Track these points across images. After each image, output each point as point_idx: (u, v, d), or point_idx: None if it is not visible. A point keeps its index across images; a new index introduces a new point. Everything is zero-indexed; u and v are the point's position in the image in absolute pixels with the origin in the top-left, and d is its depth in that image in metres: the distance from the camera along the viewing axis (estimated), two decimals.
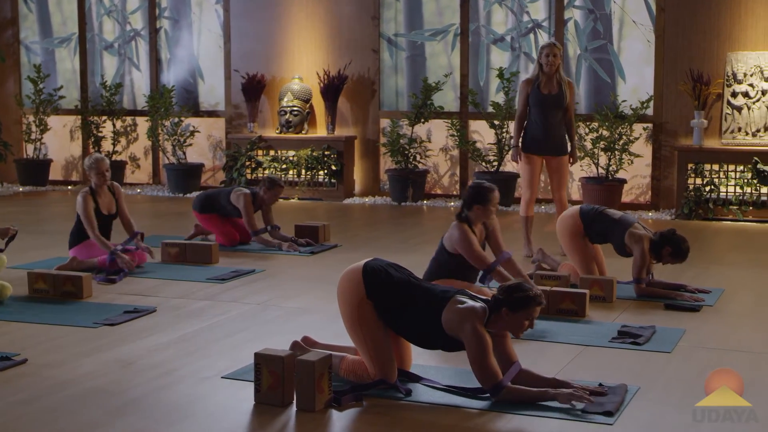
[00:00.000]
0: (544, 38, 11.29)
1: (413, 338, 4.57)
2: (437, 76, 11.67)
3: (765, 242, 8.97)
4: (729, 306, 6.31)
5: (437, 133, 11.83)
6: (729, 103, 10.38)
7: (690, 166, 10.33)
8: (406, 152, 11.52)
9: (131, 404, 4.37)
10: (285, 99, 12.02)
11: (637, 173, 11.02)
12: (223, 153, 12.51)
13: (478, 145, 11.56)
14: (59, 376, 4.74)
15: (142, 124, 13.01)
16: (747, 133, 10.30)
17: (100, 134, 13.02)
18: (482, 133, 11.64)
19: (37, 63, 13.30)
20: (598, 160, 10.74)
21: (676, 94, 10.73)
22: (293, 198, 11.93)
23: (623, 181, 10.78)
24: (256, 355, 4.33)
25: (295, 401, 4.28)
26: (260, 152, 12.14)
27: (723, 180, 10.23)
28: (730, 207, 10.15)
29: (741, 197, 10.16)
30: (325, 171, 11.84)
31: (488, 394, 4.32)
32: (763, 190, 10.08)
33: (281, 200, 11.63)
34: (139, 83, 13.17)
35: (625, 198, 10.98)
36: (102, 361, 5.01)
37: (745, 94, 10.32)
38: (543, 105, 7.93)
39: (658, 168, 10.95)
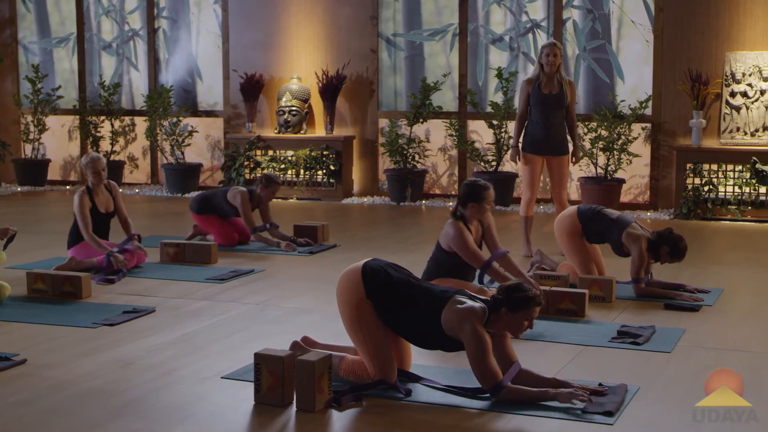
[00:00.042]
0: (542, 38, 11.29)
1: (412, 338, 4.57)
2: (436, 76, 11.66)
3: (764, 242, 8.98)
4: (728, 306, 6.31)
5: (436, 133, 11.82)
6: (727, 102, 10.38)
7: (689, 165, 10.33)
8: (405, 152, 11.51)
9: (131, 405, 4.37)
10: (283, 99, 12.02)
11: (635, 173, 11.02)
12: (222, 153, 12.50)
13: (477, 145, 11.56)
14: (58, 377, 4.73)
15: (141, 124, 13.00)
16: (745, 133, 10.30)
17: (98, 134, 13.01)
18: (481, 132, 11.64)
19: (35, 63, 13.29)
20: (596, 159, 10.74)
21: (675, 93, 10.73)
22: (292, 198, 11.92)
23: (622, 181, 10.78)
24: (256, 355, 4.32)
25: (295, 401, 4.27)
26: (259, 152, 12.14)
27: (722, 180, 10.23)
28: (729, 207, 10.15)
29: (740, 197, 10.16)
30: (324, 171, 11.84)
31: (488, 394, 4.32)
32: (762, 189, 10.08)
33: (280, 200, 11.64)
34: (138, 83, 13.16)
35: (624, 198, 10.98)
36: (101, 362, 5.00)
37: (744, 94, 10.32)
38: (544, 105, 7.93)
39: (656, 168, 10.95)
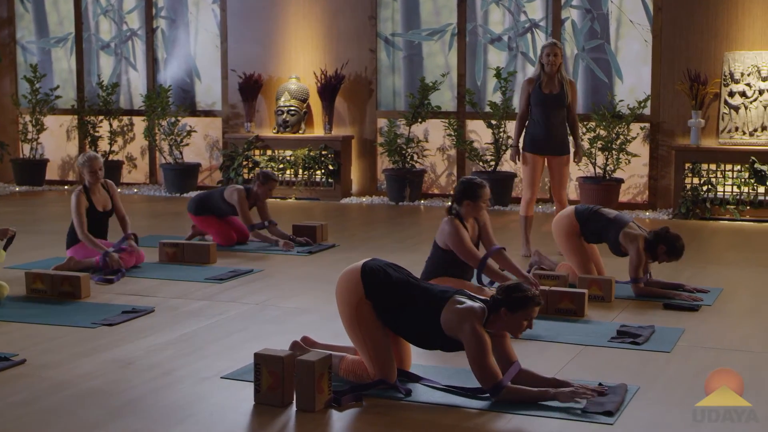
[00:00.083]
0: (541, 38, 11.30)
1: (412, 338, 4.56)
2: (434, 76, 11.66)
3: (762, 241, 8.98)
4: (728, 305, 6.31)
5: (434, 133, 11.82)
6: (726, 102, 10.38)
7: (687, 165, 10.33)
8: (404, 152, 11.51)
9: (130, 405, 4.36)
10: (282, 99, 12.01)
11: (634, 173, 11.03)
12: (220, 153, 12.49)
13: (476, 144, 11.56)
14: (57, 377, 4.73)
15: (139, 123, 12.99)
16: (744, 133, 10.31)
17: (96, 134, 13.00)
18: (479, 132, 11.64)
19: (34, 63, 13.28)
20: (595, 159, 10.74)
21: (674, 93, 10.74)
22: (290, 198, 11.92)
23: (620, 181, 10.78)
24: (256, 355, 4.31)
25: (295, 401, 4.27)
26: (257, 152, 12.13)
27: (720, 179, 10.23)
28: (728, 206, 10.16)
29: (738, 197, 10.16)
30: (323, 171, 11.83)
31: (488, 394, 4.32)
32: (761, 189, 10.08)
33: (278, 200, 11.64)
34: (136, 83, 13.15)
35: (623, 197, 10.99)
36: (100, 362, 4.99)
37: (743, 94, 10.32)
38: (544, 104, 7.93)
39: (655, 167, 10.95)
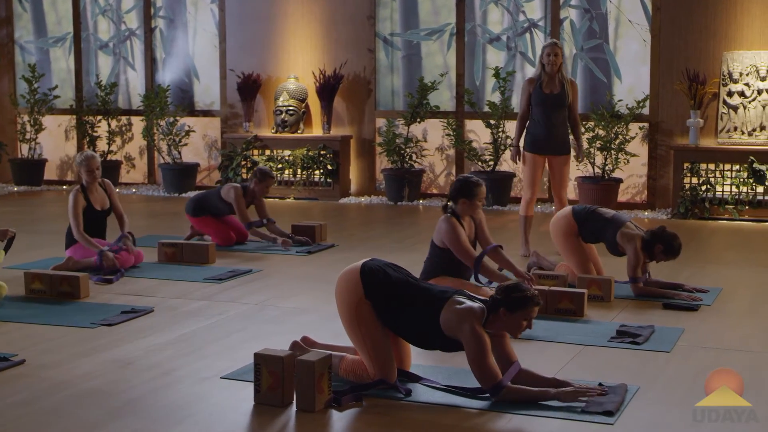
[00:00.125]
0: (540, 38, 11.30)
1: (411, 338, 4.56)
2: (433, 76, 11.66)
3: (761, 241, 8.98)
4: (727, 305, 6.31)
5: (433, 133, 11.82)
6: (725, 102, 10.38)
7: (686, 165, 10.33)
8: (402, 152, 11.51)
9: (130, 405, 4.36)
10: (281, 98, 12.01)
11: (633, 173, 11.03)
12: (219, 152, 12.49)
13: (474, 144, 11.56)
14: (57, 377, 4.72)
15: (137, 123, 12.97)
16: (743, 133, 10.31)
17: (95, 134, 12.99)
18: (478, 132, 11.64)
19: (32, 62, 13.27)
20: (594, 159, 10.74)
21: (672, 93, 10.74)
22: (289, 198, 11.91)
23: (619, 181, 10.79)
24: (256, 355, 4.31)
25: (295, 401, 4.26)
26: (256, 152, 12.12)
27: (719, 179, 10.23)
28: (726, 206, 10.16)
29: (737, 196, 10.16)
30: (321, 171, 11.83)
31: (488, 394, 4.32)
32: (759, 189, 10.08)
33: (277, 200, 11.63)
34: (134, 83, 13.14)
35: (621, 197, 10.99)
36: (100, 362, 4.99)
37: (741, 94, 10.32)
38: (545, 104, 7.93)
39: (654, 167, 10.95)
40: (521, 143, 8.12)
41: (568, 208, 6.91)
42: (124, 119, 13.14)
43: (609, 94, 10.97)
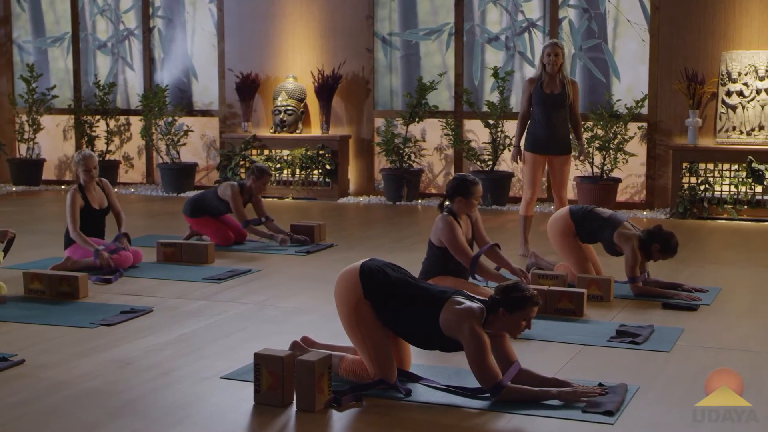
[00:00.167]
0: (538, 37, 11.30)
1: (411, 338, 4.55)
2: (432, 76, 11.65)
3: (760, 241, 8.99)
4: (726, 305, 6.31)
5: (432, 133, 11.82)
6: (723, 102, 10.38)
7: (685, 165, 10.33)
8: (401, 151, 11.50)
9: (129, 405, 4.35)
10: (279, 98, 12.00)
11: (631, 172, 11.03)
12: (217, 152, 12.48)
13: (473, 144, 11.56)
14: (56, 377, 4.72)
15: (136, 123, 12.97)
16: (742, 132, 10.31)
17: (93, 134, 12.98)
18: (477, 132, 11.64)
19: (30, 62, 13.26)
20: (592, 159, 10.74)
21: (671, 93, 10.74)
22: (287, 197, 11.91)
23: (618, 180, 10.79)
24: (256, 355, 4.31)
25: (295, 401, 4.26)
26: (254, 152, 12.12)
27: (718, 179, 10.24)
28: (725, 206, 10.16)
29: (736, 196, 10.17)
30: (320, 170, 11.82)
31: (488, 394, 4.31)
32: (758, 189, 10.08)
33: (275, 200, 11.63)
34: (133, 82, 13.13)
35: (620, 197, 10.99)
36: (99, 362, 4.98)
37: (740, 93, 10.32)
38: (546, 104, 7.92)
39: (652, 167, 10.95)
40: (522, 143, 8.12)
41: (564, 209, 6.92)
42: (122, 119, 13.13)
43: (608, 93, 10.97)
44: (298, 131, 12.02)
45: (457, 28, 11.63)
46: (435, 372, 4.73)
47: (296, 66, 12.20)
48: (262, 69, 12.32)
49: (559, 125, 7.98)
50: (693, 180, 10.31)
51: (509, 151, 11.00)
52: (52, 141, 13.46)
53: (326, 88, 11.80)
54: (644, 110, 10.86)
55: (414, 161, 11.67)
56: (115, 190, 7.62)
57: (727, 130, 10.35)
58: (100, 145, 13.00)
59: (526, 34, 11.41)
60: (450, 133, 11.45)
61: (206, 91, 12.77)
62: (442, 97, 11.70)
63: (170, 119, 12.38)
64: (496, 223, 9.81)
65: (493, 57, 11.55)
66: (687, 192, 10.25)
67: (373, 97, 12.01)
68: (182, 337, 5.50)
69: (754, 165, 9.96)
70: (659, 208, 10.84)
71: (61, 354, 5.12)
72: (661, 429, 4.08)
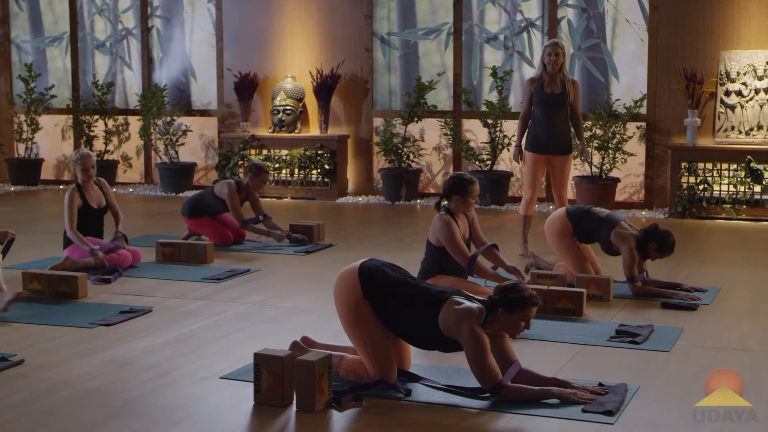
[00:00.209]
0: (537, 37, 11.30)
1: (410, 338, 4.55)
2: (430, 75, 11.65)
3: (759, 240, 8.99)
4: (726, 304, 6.31)
5: (430, 132, 11.81)
6: (722, 101, 10.39)
7: (683, 164, 10.33)
8: (400, 151, 11.50)
9: (128, 405, 4.35)
10: (278, 98, 12.00)
11: (630, 172, 11.03)
12: (216, 152, 12.48)
13: (472, 144, 11.55)
14: (56, 377, 4.71)
15: (134, 123, 12.96)
16: (740, 132, 10.31)
17: (91, 133, 12.97)
18: (476, 132, 11.63)
19: (29, 62, 13.25)
20: (591, 159, 10.74)
21: (670, 92, 10.74)
22: (286, 197, 11.90)
23: (617, 180, 10.79)
24: (256, 355, 4.30)
25: (295, 401, 4.26)
26: (253, 151, 12.11)
27: (716, 178, 10.24)
28: (724, 205, 10.16)
29: (734, 196, 10.17)
30: (318, 170, 11.82)
31: (488, 394, 4.31)
32: (757, 188, 10.09)
33: (274, 199, 11.62)
34: (131, 82, 13.12)
35: (619, 197, 10.99)
36: (98, 362, 4.98)
37: (739, 93, 10.33)
38: (546, 104, 7.92)
39: (651, 167, 10.95)
40: (523, 143, 8.12)
41: (561, 210, 6.94)
42: (120, 119, 13.13)
43: (606, 93, 10.97)
44: (296, 131, 12.02)
45: (456, 28, 11.63)
46: (435, 372, 4.72)
47: (295, 66, 12.19)
48: (260, 69, 12.31)
49: (560, 125, 7.98)
50: (692, 180, 10.31)
51: (508, 150, 11.02)
52: (51, 141, 13.45)
53: (325, 88, 11.80)
54: (643, 110, 10.87)
55: (413, 161, 11.67)
56: (114, 190, 7.61)
57: (725, 130, 10.36)
58: (99, 144, 12.99)
59: (525, 34, 11.41)
60: (449, 132, 11.45)
61: (205, 90, 12.76)
62: (441, 97, 11.70)
63: (169, 119, 12.37)
64: (495, 222, 9.81)
65: (492, 57, 11.54)
66: (686, 192, 10.25)
67: (371, 96, 12.01)
68: (181, 337, 5.49)
69: (752, 164, 9.96)
70: (658, 207, 10.84)
71: (61, 354, 5.12)
72: (661, 429, 4.08)
